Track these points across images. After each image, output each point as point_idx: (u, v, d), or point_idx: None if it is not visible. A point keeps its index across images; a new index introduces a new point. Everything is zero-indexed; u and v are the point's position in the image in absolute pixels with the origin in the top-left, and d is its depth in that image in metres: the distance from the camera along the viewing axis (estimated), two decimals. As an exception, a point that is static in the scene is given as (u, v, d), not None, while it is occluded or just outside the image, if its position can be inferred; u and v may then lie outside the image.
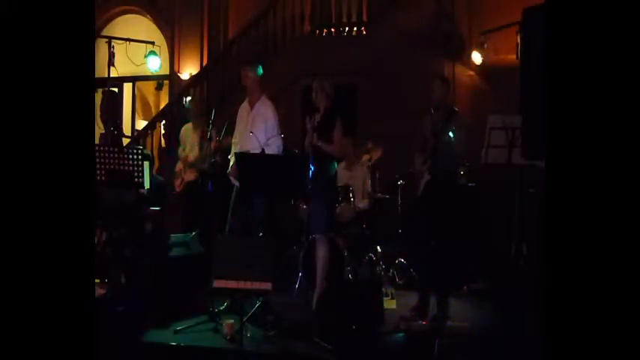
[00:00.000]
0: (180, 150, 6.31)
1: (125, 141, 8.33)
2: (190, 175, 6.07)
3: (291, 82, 7.98)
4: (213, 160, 5.27)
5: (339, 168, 5.90)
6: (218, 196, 5.30)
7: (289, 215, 6.07)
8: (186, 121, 6.41)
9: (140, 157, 4.72)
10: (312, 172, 4.57)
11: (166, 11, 9.98)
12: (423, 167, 4.62)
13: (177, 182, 6.27)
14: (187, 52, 9.87)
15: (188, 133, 6.24)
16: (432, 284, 4.64)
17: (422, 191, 4.64)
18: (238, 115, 4.93)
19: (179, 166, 6.28)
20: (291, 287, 5.24)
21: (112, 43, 6.81)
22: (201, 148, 4.95)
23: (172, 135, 8.53)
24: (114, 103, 7.72)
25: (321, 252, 4.56)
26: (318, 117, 4.57)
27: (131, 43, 7.52)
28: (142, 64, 8.02)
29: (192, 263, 4.79)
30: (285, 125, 4.88)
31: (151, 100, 11.66)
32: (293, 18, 8.43)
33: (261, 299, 4.30)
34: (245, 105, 4.89)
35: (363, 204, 5.95)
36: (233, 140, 4.96)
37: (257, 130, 4.62)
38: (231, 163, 4.82)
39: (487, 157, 4.50)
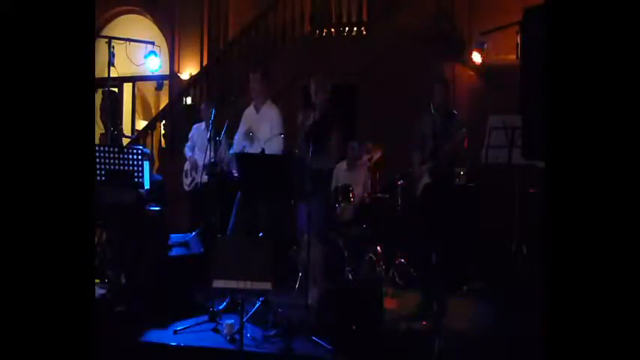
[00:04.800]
0: (188, 148, 6.26)
1: (125, 141, 8.35)
2: (202, 176, 6.01)
3: (291, 82, 7.97)
4: (213, 160, 5.27)
5: (340, 168, 5.89)
6: (219, 196, 5.29)
7: (289, 215, 6.07)
8: (198, 121, 6.35)
9: (140, 157, 4.72)
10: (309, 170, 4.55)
11: (166, 11, 9.97)
12: (421, 168, 4.61)
13: (187, 181, 6.22)
14: (187, 52, 9.87)
15: (200, 133, 6.20)
16: (432, 284, 4.64)
17: (420, 192, 4.63)
18: (242, 118, 4.98)
19: (188, 165, 6.24)
20: (291, 287, 5.23)
21: (112, 43, 6.81)
22: (215, 151, 4.96)
23: (173, 135, 8.53)
24: (114, 103, 7.73)
25: (315, 251, 4.44)
26: (317, 115, 4.48)
27: (131, 43, 7.51)
28: (142, 64, 8.00)
29: (192, 263, 4.79)
30: (285, 126, 4.88)
31: (151, 100, 11.66)
32: (293, 18, 8.43)
33: (261, 299, 4.30)
34: (251, 109, 4.95)
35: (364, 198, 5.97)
36: (234, 140, 5.01)
37: (262, 131, 4.67)
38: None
39: (487, 157, 4.51)
